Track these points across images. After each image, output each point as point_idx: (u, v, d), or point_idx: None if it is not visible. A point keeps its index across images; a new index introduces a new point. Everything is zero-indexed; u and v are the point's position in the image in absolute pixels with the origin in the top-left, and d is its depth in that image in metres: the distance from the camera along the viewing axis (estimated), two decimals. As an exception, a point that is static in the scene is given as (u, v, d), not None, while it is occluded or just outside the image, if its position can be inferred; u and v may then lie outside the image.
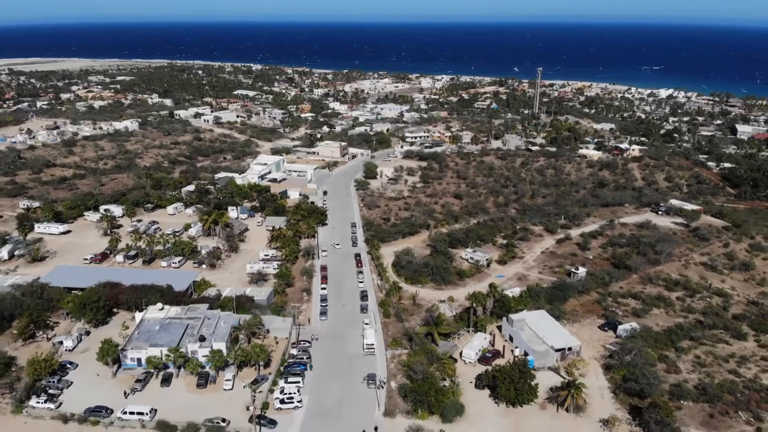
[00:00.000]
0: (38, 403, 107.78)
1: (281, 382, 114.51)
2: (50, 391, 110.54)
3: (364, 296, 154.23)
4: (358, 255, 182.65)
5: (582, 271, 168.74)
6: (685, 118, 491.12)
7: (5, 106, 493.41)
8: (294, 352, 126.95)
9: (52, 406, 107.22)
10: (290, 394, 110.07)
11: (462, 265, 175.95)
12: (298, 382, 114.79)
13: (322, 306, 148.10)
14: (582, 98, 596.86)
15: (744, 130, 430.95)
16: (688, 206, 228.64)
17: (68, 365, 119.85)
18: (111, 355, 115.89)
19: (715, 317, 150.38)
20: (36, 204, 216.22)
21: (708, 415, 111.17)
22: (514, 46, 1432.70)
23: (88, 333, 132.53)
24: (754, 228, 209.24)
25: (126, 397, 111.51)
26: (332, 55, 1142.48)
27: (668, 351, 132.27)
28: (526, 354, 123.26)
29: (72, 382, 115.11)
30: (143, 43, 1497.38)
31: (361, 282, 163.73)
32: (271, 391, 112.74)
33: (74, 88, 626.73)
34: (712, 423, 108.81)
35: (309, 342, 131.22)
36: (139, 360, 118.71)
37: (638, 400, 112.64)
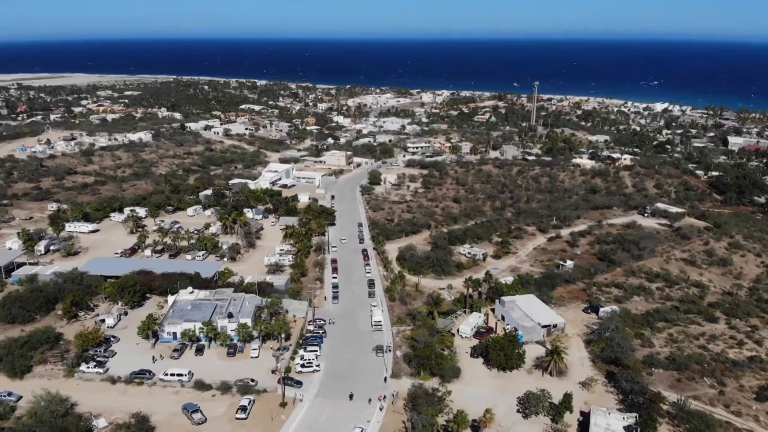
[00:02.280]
0: (88, 368, 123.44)
1: (301, 351, 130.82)
2: (98, 359, 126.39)
3: (371, 284, 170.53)
4: (364, 250, 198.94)
5: (569, 263, 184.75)
6: (679, 131, 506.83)
7: (19, 119, 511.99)
8: (311, 328, 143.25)
9: (100, 370, 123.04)
10: (309, 360, 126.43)
11: (460, 259, 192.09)
12: (316, 350, 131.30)
13: (333, 292, 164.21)
14: (579, 112, 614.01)
15: (735, 142, 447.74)
16: (673, 209, 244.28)
17: (112, 338, 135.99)
18: (152, 327, 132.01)
19: (690, 304, 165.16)
20: (63, 206, 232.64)
21: (676, 379, 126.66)
22: (515, 62, 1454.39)
23: (126, 313, 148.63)
24: (735, 228, 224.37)
25: (154, 362, 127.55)
26: (335, 71, 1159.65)
27: (644, 330, 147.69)
28: (515, 330, 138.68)
29: (116, 352, 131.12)
30: (148, 59, 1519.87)
31: (369, 272, 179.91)
32: (292, 358, 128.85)
33: (84, 102, 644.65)
34: (678, 386, 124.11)
35: (324, 320, 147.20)
36: (174, 334, 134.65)
37: (614, 367, 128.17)
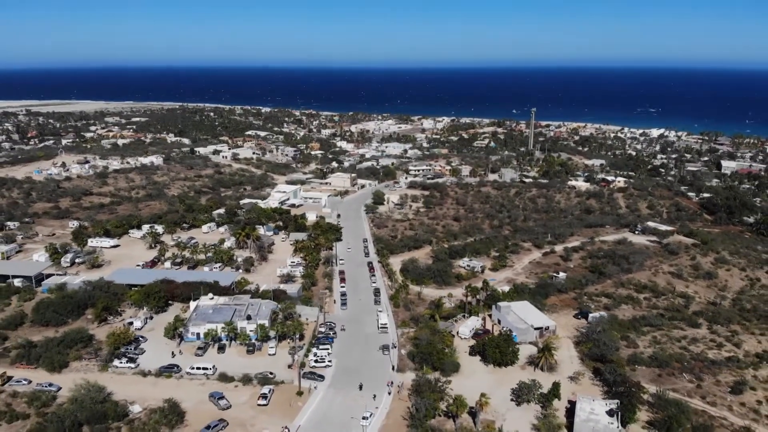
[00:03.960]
0: (120, 363, 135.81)
1: (314, 349, 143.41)
2: (129, 355, 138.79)
3: (376, 292, 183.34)
4: (370, 263, 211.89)
5: (562, 275, 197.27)
6: (674, 155, 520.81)
7: (32, 143, 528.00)
8: (322, 329, 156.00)
9: (132, 365, 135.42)
10: (322, 356, 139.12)
11: (460, 271, 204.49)
12: (328, 348, 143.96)
13: (342, 299, 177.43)
14: (576, 137, 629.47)
15: (728, 166, 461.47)
16: (663, 227, 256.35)
17: (140, 338, 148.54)
18: (178, 328, 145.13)
19: (675, 312, 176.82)
20: (85, 224, 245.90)
21: (657, 375, 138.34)
22: (515, 90, 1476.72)
23: (151, 317, 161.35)
24: (721, 245, 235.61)
25: (173, 357, 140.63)
26: (334, 99, 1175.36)
27: (630, 333, 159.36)
28: (510, 331, 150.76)
29: (144, 350, 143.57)
30: (154, 87, 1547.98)
31: (374, 282, 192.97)
32: (306, 355, 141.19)
33: (92, 128, 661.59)
34: (659, 380, 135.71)
35: (334, 323, 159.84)
36: (198, 334, 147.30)
37: (600, 364, 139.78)
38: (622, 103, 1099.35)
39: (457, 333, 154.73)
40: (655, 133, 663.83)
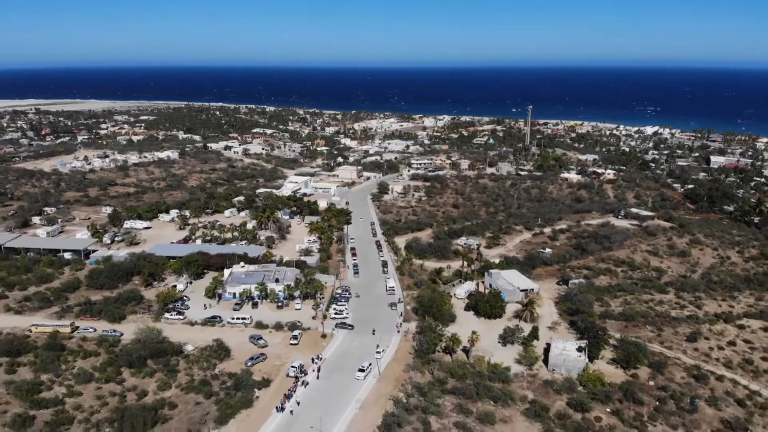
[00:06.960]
0: (170, 316, 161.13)
1: (334, 305, 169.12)
2: (178, 310, 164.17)
3: (384, 264, 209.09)
4: (378, 241, 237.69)
5: (548, 251, 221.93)
6: (666, 151, 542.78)
7: (47, 140, 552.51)
8: (339, 291, 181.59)
9: (180, 317, 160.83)
10: (340, 310, 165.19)
11: (457, 248, 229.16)
12: (345, 305, 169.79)
13: (354, 269, 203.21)
14: (573, 135, 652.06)
15: (717, 161, 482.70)
16: (644, 213, 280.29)
17: (185, 297, 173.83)
18: (218, 288, 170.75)
19: (647, 282, 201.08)
20: (117, 209, 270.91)
21: (624, 326, 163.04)
22: (515, 90, 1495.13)
23: (191, 282, 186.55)
24: (697, 228, 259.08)
25: (205, 309, 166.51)
26: (331, 99, 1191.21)
27: (604, 296, 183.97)
28: (500, 292, 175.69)
29: (189, 307, 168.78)
30: (156, 87, 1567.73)
31: (382, 256, 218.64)
32: (327, 309, 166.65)
33: (103, 126, 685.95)
34: (625, 330, 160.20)
35: (349, 287, 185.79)
36: (234, 294, 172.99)
37: (576, 318, 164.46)
38: (620, 102, 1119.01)
39: (454, 294, 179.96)
40: (649, 130, 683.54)
